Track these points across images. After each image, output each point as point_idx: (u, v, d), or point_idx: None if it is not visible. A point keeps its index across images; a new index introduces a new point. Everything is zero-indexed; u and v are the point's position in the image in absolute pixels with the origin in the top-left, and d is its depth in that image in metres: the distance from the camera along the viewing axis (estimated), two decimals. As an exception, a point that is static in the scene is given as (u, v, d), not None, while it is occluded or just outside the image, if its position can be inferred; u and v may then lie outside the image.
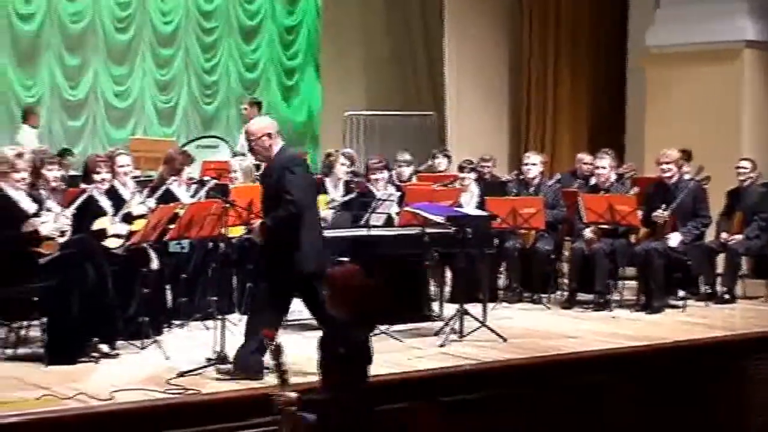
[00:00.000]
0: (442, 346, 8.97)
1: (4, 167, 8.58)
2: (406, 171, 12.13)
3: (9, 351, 8.29)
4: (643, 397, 8.61)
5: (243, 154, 14.29)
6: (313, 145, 18.38)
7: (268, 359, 6.54)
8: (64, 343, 8.08)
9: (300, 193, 7.59)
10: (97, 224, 8.88)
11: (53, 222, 8.38)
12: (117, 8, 17.12)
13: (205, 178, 10.97)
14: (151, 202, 9.50)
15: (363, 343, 5.99)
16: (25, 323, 8.63)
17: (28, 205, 8.38)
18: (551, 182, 12.02)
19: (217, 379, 7.66)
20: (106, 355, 8.26)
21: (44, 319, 8.30)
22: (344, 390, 5.90)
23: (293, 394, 5.74)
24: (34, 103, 15.81)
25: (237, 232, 10.25)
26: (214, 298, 9.73)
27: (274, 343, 5.90)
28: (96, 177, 9.14)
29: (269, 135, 7.76)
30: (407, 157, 12.39)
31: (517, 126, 16.97)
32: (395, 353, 8.67)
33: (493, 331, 9.26)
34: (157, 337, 8.74)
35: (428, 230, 9.70)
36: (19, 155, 8.64)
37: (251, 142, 7.84)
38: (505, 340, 9.16)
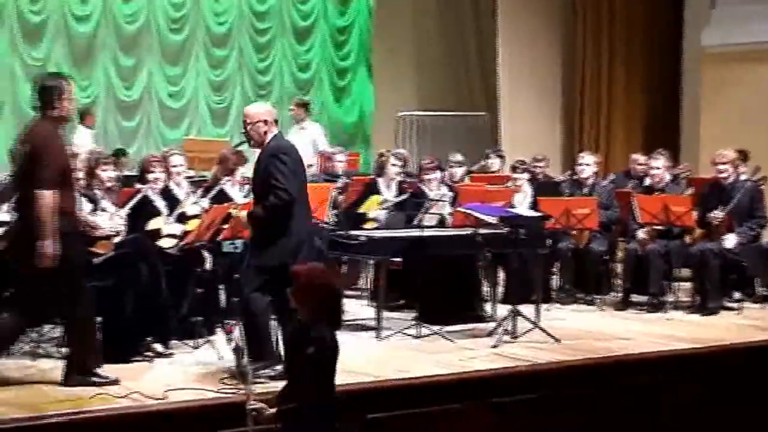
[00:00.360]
0: (494, 346, 8.92)
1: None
2: (459, 172, 12.09)
3: (63, 350, 8.33)
4: (697, 400, 8.51)
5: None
6: (364, 145, 18.38)
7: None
8: (119, 342, 8.11)
9: (290, 182, 7.50)
10: (152, 224, 8.92)
11: (108, 222, 8.44)
12: (171, 9, 17.22)
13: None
14: (205, 203, 9.53)
15: (327, 342, 5.88)
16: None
17: (84, 205, 8.44)
18: (605, 182, 11.94)
19: (272, 377, 7.67)
20: (160, 355, 8.29)
21: (99, 319, 8.36)
22: (313, 398, 5.86)
23: (271, 411, 5.72)
24: (89, 104, 15.93)
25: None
26: (268, 298, 9.75)
27: (233, 338, 5.94)
28: (150, 177, 9.17)
29: (265, 122, 7.68)
30: (459, 158, 12.34)
31: (571, 126, 16.90)
32: (447, 354, 8.66)
33: (546, 332, 9.20)
34: (211, 337, 8.76)
35: (481, 231, 9.65)
36: (74, 155, 8.72)
37: (246, 126, 7.74)
38: (558, 341, 9.10)
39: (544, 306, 10.09)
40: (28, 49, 16.08)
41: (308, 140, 14.43)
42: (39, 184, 7.11)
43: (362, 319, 9.96)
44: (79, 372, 7.41)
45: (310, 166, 12.07)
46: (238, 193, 10.36)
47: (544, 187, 11.80)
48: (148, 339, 8.27)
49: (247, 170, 10.90)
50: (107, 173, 9.01)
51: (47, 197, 7.10)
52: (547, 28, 16.77)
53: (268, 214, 7.55)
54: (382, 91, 18.03)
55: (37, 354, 8.23)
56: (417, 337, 9.21)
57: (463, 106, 17.06)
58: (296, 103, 15.21)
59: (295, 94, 17.94)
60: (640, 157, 12.71)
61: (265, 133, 7.67)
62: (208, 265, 9.19)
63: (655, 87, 16.86)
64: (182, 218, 9.11)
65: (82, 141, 14.12)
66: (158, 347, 8.35)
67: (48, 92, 7.42)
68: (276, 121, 7.80)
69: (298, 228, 7.64)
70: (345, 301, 6.40)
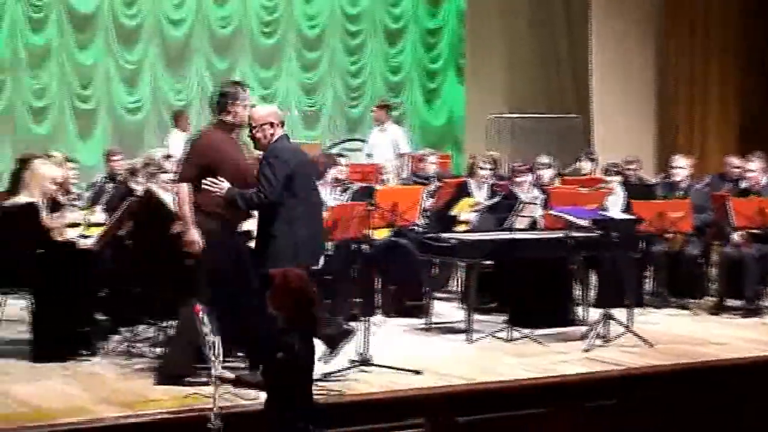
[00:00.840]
0: (586, 350, 8.85)
1: (153, 169, 8.80)
2: (546, 174, 12.00)
3: (157, 350, 8.43)
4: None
5: (370, 155, 14.43)
6: (454, 148, 18.35)
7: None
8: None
9: (272, 186, 7.40)
10: (244, 226, 8.98)
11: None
12: (264, 12, 17.35)
13: (347, 182, 11.03)
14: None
15: (296, 349, 5.85)
16: (172, 323, 8.80)
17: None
18: (700, 185, 11.79)
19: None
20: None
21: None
22: (288, 403, 5.86)
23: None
24: (183, 107, 16.11)
25: (381, 234, 10.29)
26: (357, 299, 9.80)
27: (200, 316, 6.00)
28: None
29: (271, 124, 7.59)
30: (546, 160, 12.24)
31: (664, 127, 16.71)
32: (538, 357, 8.61)
33: (638, 336, 9.10)
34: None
35: (573, 234, 9.59)
36: (167, 157, 8.84)
37: (252, 129, 7.65)
38: (651, 345, 9.00)
39: (636, 310, 9.97)
40: (123, 52, 16.30)
41: (389, 141, 14.52)
42: (178, 178, 7.62)
43: (453, 322, 9.95)
44: (173, 371, 7.50)
45: (379, 167, 12.07)
46: (329, 195, 10.40)
47: (637, 190, 11.67)
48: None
49: (337, 172, 10.98)
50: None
51: (183, 190, 7.46)
52: (639, 27, 16.60)
53: (243, 205, 7.50)
54: (473, 93, 18.00)
55: (132, 353, 8.34)
56: (508, 340, 9.17)
57: (554, 108, 16.95)
58: (378, 105, 15.27)
59: (386, 96, 17.97)
60: (735, 160, 12.52)
61: (272, 135, 7.59)
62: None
63: (750, 89, 16.61)
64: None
65: (175, 144, 14.27)
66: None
67: (224, 98, 7.66)
68: (282, 123, 7.72)
69: (295, 231, 7.54)
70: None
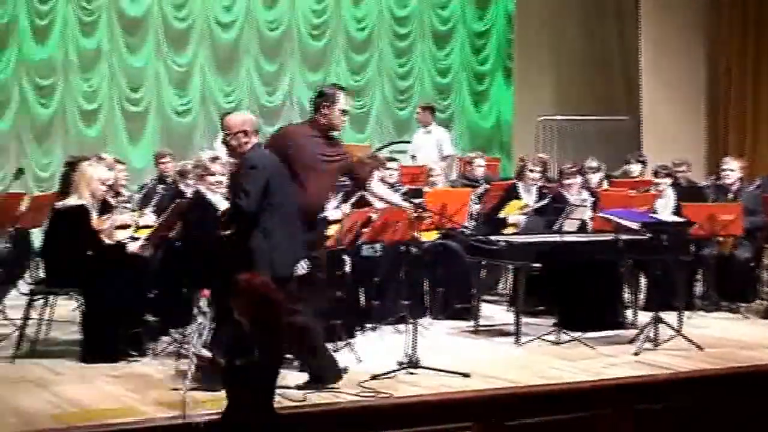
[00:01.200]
0: (636, 354, 8.80)
1: (200, 170, 8.84)
2: (595, 177, 11.95)
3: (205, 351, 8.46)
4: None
5: (414, 156, 14.43)
6: (501, 150, 18.30)
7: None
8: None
9: (249, 198, 7.28)
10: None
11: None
12: (312, 15, 17.39)
13: (397, 184, 11.03)
14: (346, 207, 9.60)
15: (256, 355, 5.88)
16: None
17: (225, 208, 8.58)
18: (751, 188, 11.70)
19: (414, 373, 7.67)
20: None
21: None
22: (248, 411, 5.88)
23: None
24: (232, 109, 16.15)
25: (430, 236, 10.29)
26: (406, 302, 9.78)
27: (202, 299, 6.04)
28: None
29: (245, 132, 7.45)
30: (594, 163, 12.20)
31: (715, 129, 16.56)
32: (587, 360, 8.58)
33: (688, 339, 9.04)
34: (350, 340, 8.80)
35: (622, 236, 9.54)
36: (215, 159, 8.87)
37: (227, 136, 7.55)
38: (701, 349, 8.93)
39: (686, 313, 9.90)
40: (173, 55, 16.39)
41: (434, 143, 14.57)
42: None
43: (501, 325, 9.93)
44: None
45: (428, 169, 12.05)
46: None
47: (687, 192, 11.59)
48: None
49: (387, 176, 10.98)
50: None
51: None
52: (690, 27, 16.46)
53: (226, 219, 7.53)
54: (522, 95, 17.94)
55: (181, 354, 8.37)
56: (556, 343, 9.14)
57: (603, 110, 16.85)
58: (422, 107, 15.30)
59: (434, 99, 17.97)
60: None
61: (246, 143, 7.46)
62: (347, 269, 9.24)
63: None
64: (324, 223, 9.18)
65: (223, 148, 14.30)
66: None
67: (319, 98, 7.90)
68: (257, 132, 7.59)
69: (272, 243, 7.40)
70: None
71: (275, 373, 6.08)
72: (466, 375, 7.82)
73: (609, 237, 9.62)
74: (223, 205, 8.55)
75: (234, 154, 7.63)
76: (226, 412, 5.99)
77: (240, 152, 7.50)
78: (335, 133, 8.08)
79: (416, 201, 8.79)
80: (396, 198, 8.59)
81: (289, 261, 7.42)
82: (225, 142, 7.63)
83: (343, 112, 7.89)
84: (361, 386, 7.45)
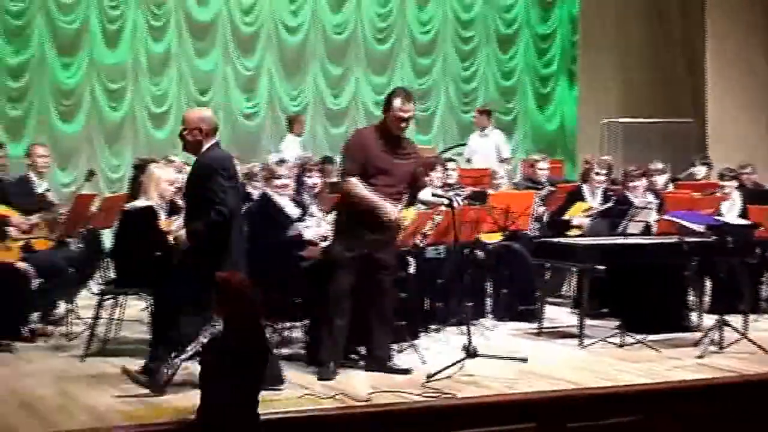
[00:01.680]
0: (700, 357, 8.72)
1: (267, 173, 8.88)
2: (660, 180, 11.87)
3: (275, 350, 8.49)
4: None
5: (469, 159, 14.40)
6: (565, 152, 18.20)
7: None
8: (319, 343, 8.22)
9: (230, 198, 7.26)
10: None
11: (315, 227, 8.58)
12: (377, 19, 17.43)
13: (461, 186, 11.02)
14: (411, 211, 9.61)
15: (232, 350, 5.89)
16: (288, 324, 8.86)
17: (292, 210, 8.61)
18: (817, 190, 11.55)
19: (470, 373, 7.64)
20: (363, 357, 8.38)
21: (306, 321, 8.50)
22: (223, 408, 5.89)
23: None
24: (299, 112, 16.25)
25: (493, 237, 10.27)
26: (469, 304, 9.78)
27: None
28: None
29: (200, 129, 7.36)
30: (660, 165, 12.12)
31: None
32: (652, 363, 8.52)
33: (754, 342, 8.94)
34: (414, 341, 8.81)
35: (687, 239, 9.47)
36: (281, 162, 8.91)
37: (182, 130, 7.47)
38: (767, 352, 8.83)
39: (752, 316, 9.81)
40: (241, 59, 16.51)
41: (491, 146, 14.56)
42: (343, 174, 7.98)
43: (565, 327, 9.89)
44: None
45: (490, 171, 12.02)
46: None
47: (753, 195, 11.46)
48: (353, 346, 8.35)
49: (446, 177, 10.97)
50: (312, 179, 9.16)
51: (352, 181, 7.78)
52: (757, 30, 16.27)
53: (207, 231, 7.27)
54: (586, 97, 17.86)
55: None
56: (620, 346, 9.08)
57: (669, 113, 16.71)
58: (479, 111, 15.33)
59: (498, 101, 17.96)
60: None
61: (200, 141, 7.38)
62: (411, 270, 9.24)
63: None
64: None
65: (290, 148, 14.40)
66: (362, 350, 8.44)
67: (386, 102, 8.03)
68: (215, 131, 7.47)
69: (236, 241, 7.45)
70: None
71: (258, 368, 6.10)
72: (523, 360, 7.84)
73: (674, 239, 9.56)
74: (290, 207, 8.61)
75: (187, 148, 7.54)
76: (202, 412, 6.02)
77: (195, 148, 7.44)
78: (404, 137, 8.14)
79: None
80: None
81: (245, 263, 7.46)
82: (180, 136, 7.54)
83: (398, 118, 7.92)
84: (425, 387, 7.46)
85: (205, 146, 7.39)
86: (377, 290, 7.97)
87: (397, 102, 7.93)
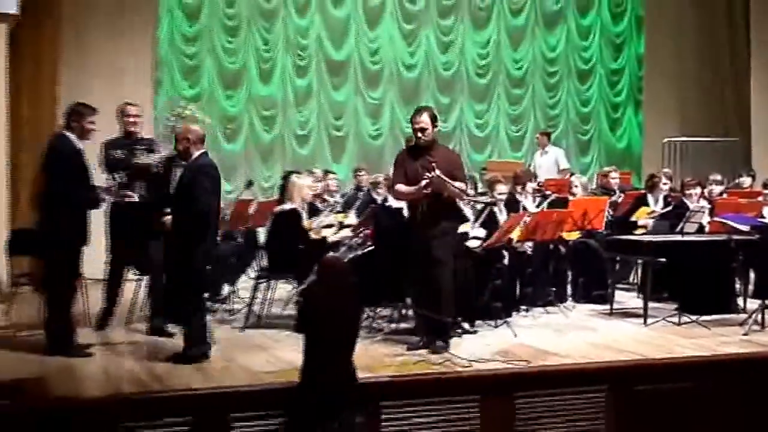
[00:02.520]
0: (745, 334, 8.55)
1: (388, 183, 8.95)
2: (717, 189, 11.69)
3: (393, 325, 8.55)
4: None
5: (535, 175, 14.24)
6: (631, 166, 17.87)
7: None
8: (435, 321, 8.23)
9: (208, 199, 7.19)
10: (462, 228, 9.02)
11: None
12: (478, 58, 17.34)
13: (547, 192, 10.95)
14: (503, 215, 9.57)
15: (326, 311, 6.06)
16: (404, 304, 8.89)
17: (406, 211, 8.65)
18: None
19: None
20: (467, 332, 8.38)
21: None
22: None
23: None
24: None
25: (573, 236, 10.20)
26: (553, 289, 9.72)
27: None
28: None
29: (188, 139, 7.30)
30: (718, 177, 11.99)
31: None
32: (704, 339, 8.40)
33: (791, 322, 8.76)
34: (508, 319, 8.78)
35: (735, 237, 9.29)
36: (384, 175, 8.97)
37: (177, 143, 7.48)
38: (801, 332, 8.63)
39: (790, 301, 9.58)
40: (368, 91, 16.56)
41: (552, 161, 14.61)
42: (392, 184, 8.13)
43: (632, 308, 9.76)
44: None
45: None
46: (531, 203, 10.36)
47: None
48: (459, 318, 8.36)
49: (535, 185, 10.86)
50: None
51: (399, 187, 7.83)
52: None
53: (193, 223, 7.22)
54: (650, 121, 17.56)
55: (373, 328, 8.48)
56: (678, 324, 8.95)
57: (719, 132, 16.35)
58: (540, 133, 15.36)
59: (577, 125, 17.84)
60: None
61: (187, 149, 7.32)
62: (506, 261, 9.21)
63: None
64: (486, 225, 9.17)
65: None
66: (466, 325, 8.44)
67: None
68: (202, 141, 7.39)
69: (212, 237, 7.43)
70: None
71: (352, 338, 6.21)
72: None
73: (723, 237, 9.39)
74: (405, 210, 8.64)
75: (180, 155, 7.53)
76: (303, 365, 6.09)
77: (184, 155, 7.43)
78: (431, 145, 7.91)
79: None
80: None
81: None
82: (175, 148, 7.56)
83: (413, 130, 7.90)
84: (512, 355, 7.44)
85: (194, 154, 7.36)
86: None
87: (413, 117, 7.92)
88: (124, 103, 8.51)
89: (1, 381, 6.42)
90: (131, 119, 8.42)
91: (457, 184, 7.78)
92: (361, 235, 8.74)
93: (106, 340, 7.95)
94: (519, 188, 10.39)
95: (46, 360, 7.11)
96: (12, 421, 5.89)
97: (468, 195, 8.36)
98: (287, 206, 8.77)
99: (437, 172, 7.56)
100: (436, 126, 7.94)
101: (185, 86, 15.27)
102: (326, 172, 11.03)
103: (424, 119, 7.84)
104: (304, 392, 6.01)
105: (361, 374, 6.56)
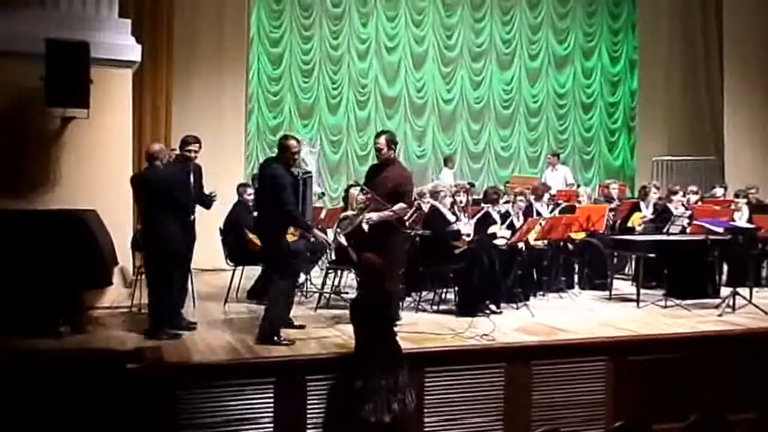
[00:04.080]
0: (719, 315, 8.42)
1: (432, 192, 8.90)
2: (693, 198, 11.50)
3: (434, 307, 8.54)
4: None
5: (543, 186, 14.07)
6: (625, 180, 17.63)
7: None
8: (469, 303, 8.22)
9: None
10: (491, 229, 8.99)
11: (464, 227, 8.58)
12: (503, 93, 17.26)
13: (559, 201, 10.88)
14: (519, 219, 9.52)
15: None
16: (443, 290, 8.88)
17: (450, 217, 8.65)
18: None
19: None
20: (493, 312, 8.35)
21: (456, 288, 8.50)
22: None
23: None
24: (451, 153, 16.21)
25: (579, 235, 10.11)
26: (563, 278, 9.63)
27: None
28: (500, 201, 9.27)
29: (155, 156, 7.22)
30: (694, 188, 11.78)
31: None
32: (686, 319, 8.28)
33: (757, 307, 8.60)
34: (527, 302, 8.72)
35: (711, 237, 9.14)
36: (440, 187, 8.94)
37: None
38: (766, 313, 8.44)
39: (755, 289, 9.38)
40: (415, 120, 16.56)
41: (561, 177, 14.47)
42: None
43: (627, 294, 9.65)
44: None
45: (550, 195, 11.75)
46: (546, 210, 10.30)
47: (756, 208, 10.96)
48: (487, 301, 8.33)
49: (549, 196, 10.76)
50: (460, 197, 9.16)
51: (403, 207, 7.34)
52: (764, 89, 15.32)
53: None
54: (642, 143, 17.34)
55: (418, 309, 8.47)
56: (664, 307, 8.82)
57: (699, 150, 16.09)
58: (551, 154, 15.30)
59: (582, 147, 17.71)
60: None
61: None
62: (524, 255, 9.15)
63: None
64: (510, 226, 9.13)
65: (445, 178, 14.36)
66: (493, 307, 8.40)
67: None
68: (159, 155, 7.25)
69: (177, 227, 7.26)
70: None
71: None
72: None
73: (701, 237, 9.24)
74: (449, 215, 8.62)
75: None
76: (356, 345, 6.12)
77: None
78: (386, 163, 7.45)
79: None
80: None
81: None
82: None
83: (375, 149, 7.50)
84: (532, 331, 7.39)
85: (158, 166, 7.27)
86: None
87: (375, 139, 7.56)
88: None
89: (128, 349, 6.52)
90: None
91: (396, 207, 7.19)
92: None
93: (209, 317, 8.03)
94: (536, 198, 10.31)
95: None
96: (136, 380, 5.99)
97: (404, 213, 7.39)
98: (348, 213, 8.80)
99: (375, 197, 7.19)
100: (392, 148, 7.41)
101: (270, 117, 15.41)
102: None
103: (381, 141, 7.39)
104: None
105: (409, 345, 6.59)
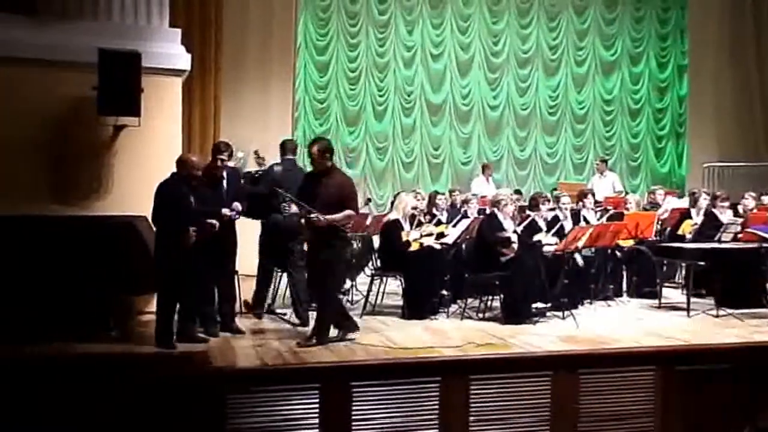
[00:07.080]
0: (773, 325, 8.21)
1: (502, 201, 8.77)
2: (750, 204, 11.24)
3: (480, 314, 8.46)
4: None
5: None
6: (676, 186, 17.40)
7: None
8: (515, 309, 8.13)
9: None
10: (536, 237, 8.88)
11: (511, 232, 8.50)
12: (549, 99, 17.14)
13: (608, 207, 10.73)
14: (569, 224, 9.39)
15: None
16: (489, 297, 8.80)
17: (509, 225, 8.58)
18: None
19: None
20: (539, 321, 8.23)
21: (502, 296, 8.42)
22: None
23: None
24: (495, 161, 16.12)
25: (627, 243, 9.95)
26: (611, 286, 9.48)
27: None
28: (542, 207, 9.16)
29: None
30: (752, 194, 11.53)
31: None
32: (738, 329, 8.05)
33: (812, 316, 8.35)
34: (573, 311, 8.60)
35: (764, 244, 8.92)
36: (501, 195, 8.88)
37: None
38: (822, 323, 8.22)
39: (811, 298, 9.15)
40: (460, 127, 16.52)
41: (609, 184, 14.13)
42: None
43: (676, 303, 9.46)
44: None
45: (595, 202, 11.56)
46: (593, 216, 10.17)
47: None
48: (534, 308, 8.23)
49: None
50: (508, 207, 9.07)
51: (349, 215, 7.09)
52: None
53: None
54: (692, 149, 17.05)
55: (464, 316, 8.41)
56: (716, 316, 8.62)
57: (751, 157, 15.78)
58: (599, 160, 14.89)
59: (629, 153, 17.50)
60: None
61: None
62: (579, 262, 9.02)
63: None
64: (558, 233, 9.01)
65: (477, 185, 14.17)
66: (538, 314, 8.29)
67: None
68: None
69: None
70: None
71: None
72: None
73: (754, 245, 9.02)
74: (504, 223, 8.54)
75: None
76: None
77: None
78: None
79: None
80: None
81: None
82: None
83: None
84: (579, 340, 7.28)
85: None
86: None
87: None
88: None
89: (176, 353, 6.56)
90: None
91: (341, 215, 6.99)
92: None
93: (257, 324, 8.05)
94: (581, 203, 10.19)
95: (210, 339, 7.24)
96: (185, 383, 6.02)
97: (350, 221, 7.32)
98: (392, 215, 8.77)
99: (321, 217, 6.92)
100: (325, 157, 7.05)
101: (317, 124, 15.47)
102: (436, 193, 10.94)
103: (313, 150, 7.06)
104: None
105: (453, 353, 6.53)
